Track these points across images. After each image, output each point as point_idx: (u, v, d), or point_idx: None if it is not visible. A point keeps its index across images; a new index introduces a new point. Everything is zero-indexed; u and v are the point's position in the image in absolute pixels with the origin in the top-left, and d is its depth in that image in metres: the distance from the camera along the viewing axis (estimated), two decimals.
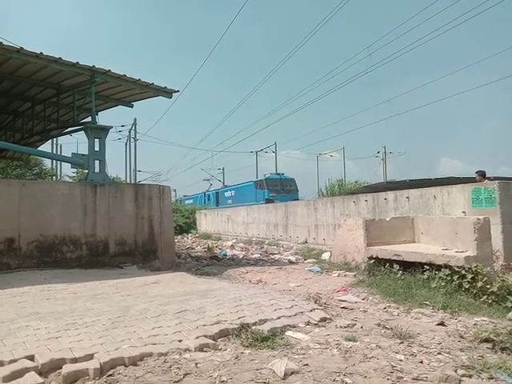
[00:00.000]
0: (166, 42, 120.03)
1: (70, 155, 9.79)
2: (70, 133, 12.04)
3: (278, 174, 30.45)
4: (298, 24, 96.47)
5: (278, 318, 4.18)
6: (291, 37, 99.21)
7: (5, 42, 7.99)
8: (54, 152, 21.78)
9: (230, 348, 3.44)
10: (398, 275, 6.06)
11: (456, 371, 2.93)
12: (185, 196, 45.02)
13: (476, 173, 9.59)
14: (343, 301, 5.31)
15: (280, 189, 28.32)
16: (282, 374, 2.83)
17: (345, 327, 4.05)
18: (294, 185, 29.79)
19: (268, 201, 24.99)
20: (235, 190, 32.71)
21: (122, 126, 30.45)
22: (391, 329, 3.96)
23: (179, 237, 21.22)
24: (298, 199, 24.41)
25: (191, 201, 39.13)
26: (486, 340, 3.55)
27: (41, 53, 8.32)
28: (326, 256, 10.26)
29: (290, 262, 10.35)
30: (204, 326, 3.87)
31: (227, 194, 33.83)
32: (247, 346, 3.47)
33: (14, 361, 3.01)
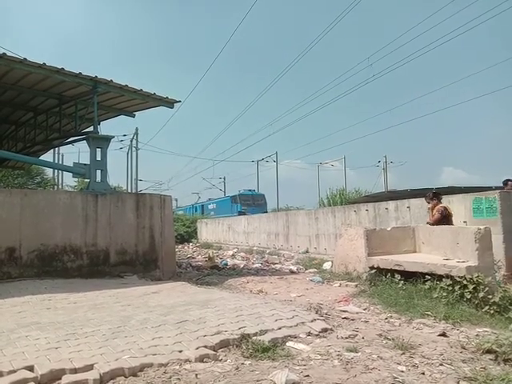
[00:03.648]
0: (165, 51, 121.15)
1: (71, 164, 9.83)
2: (71, 142, 12.15)
3: (250, 191, 35.10)
4: (299, 34, 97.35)
5: (279, 328, 4.16)
6: (292, 46, 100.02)
7: (6, 52, 8.10)
8: (56, 161, 21.90)
9: (231, 359, 3.42)
10: (400, 285, 6.03)
11: (458, 383, 2.91)
12: (177, 207, 46.43)
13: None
14: (344, 311, 5.28)
15: (251, 203, 32.76)
16: None
17: (346, 338, 4.03)
18: (263, 199, 34.37)
19: (240, 213, 28.91)
20: (216, 203, 37.60)
21: (124, 135, 30.47)
22: (393, 339, 3.94)
23: (180, 246, 21.19)
24: (266, 211, 28.38)
25: (182, 212, 40.54)
26: (489, 351, 3.52)
27: (44, 63, 8.40)
28: (327, 266, 10.22)
29: (291, 272, 10.31)
30: (204, 336, 3.85)
31: (210, 206, 38.20)
32: (248, 357, 3.44)
33: (14, 371, 2.99)
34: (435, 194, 7.64)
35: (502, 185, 9.04)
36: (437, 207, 7.29)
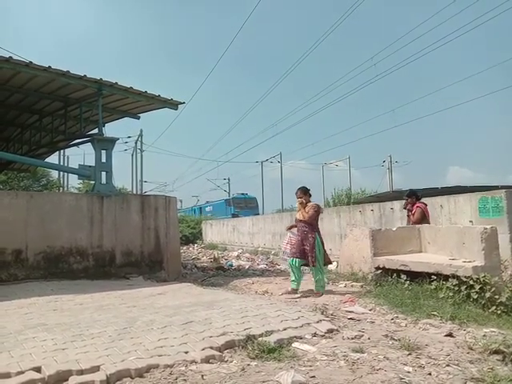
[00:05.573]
0: (169, 53, 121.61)
1: (76, 167, 9.88)
2: (77, 144, 12.18)
3: (243, 194, 37.82)
4: (302, 34, 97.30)
5: (285, 329, 4.15)
6: (296, 46, 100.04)
7: (12, 56, 8.15)
8: (61, 163, 21.98)
9: (236, 360, 3.42)
10: (406, 285, 6.00)
11: None
12: (178, 209, 47.16)
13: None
14: (350, 312, 5.26)
15: (244, 206, 35.37)
16: None
17: (352, 338, 4.01)
18: (255, 202, 36.75)
19: (234, 215, 30.95)
20: (213, 205, 40.10)
21: (129, 137, 30.57)
22: (399, 340, 3.92)
23: (185, 247, 21.23)
24: (258, 214, 30.30)
25: (183, 213, 41.21)
26: (496, 352, 3.49)
27: (49, 66, 8.45)
28: (332, 266, 10.17)
29: None
30: (210, 337, 3.85)
31: (207, 208, 40.49)
32: (253, 358, 3.44)
33: (21, 372, 3.01)
34: (308, 190, 7.43)
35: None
36: (310, 204, 7.19)
